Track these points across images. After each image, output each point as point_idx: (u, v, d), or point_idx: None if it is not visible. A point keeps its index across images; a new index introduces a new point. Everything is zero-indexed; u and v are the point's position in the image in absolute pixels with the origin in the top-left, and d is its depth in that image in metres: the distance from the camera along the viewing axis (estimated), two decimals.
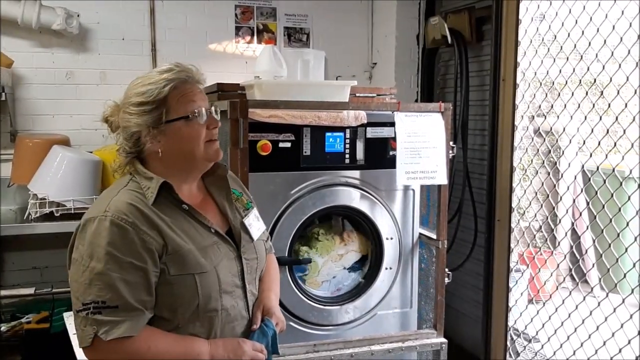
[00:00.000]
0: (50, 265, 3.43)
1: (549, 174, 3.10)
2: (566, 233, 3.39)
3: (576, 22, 2.58)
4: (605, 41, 2.45)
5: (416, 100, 3.79)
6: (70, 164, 2.97)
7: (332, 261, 2.49)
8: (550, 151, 3.10)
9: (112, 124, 1.49)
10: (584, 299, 2.64)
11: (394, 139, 2.41)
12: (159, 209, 1.40)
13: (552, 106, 2.95)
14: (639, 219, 2.42)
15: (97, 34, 3.52)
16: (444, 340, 2.55)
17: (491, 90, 2.98)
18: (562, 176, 2.99)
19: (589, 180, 2.77)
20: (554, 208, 3.14)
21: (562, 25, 2.67)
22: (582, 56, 2.69)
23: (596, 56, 2.52)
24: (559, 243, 3.18)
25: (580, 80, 2.70)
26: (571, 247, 3.19)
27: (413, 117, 2.42)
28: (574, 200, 3.42)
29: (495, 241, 3.00)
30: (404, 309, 2.59)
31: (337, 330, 2.47)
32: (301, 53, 2.81)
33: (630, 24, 2.34)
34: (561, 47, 2.73)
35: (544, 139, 3.02)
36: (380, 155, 2.45)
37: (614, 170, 2.57)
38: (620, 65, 2.43)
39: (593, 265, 2.97)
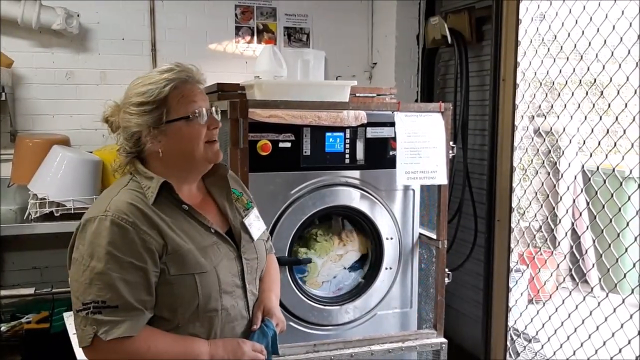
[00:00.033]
0: (50, 265, 3.43)
1: (549, 174, 3.10)
2: (566, 233, 3.39)
3: (576, 22, 2.58)
4: (605, 41, 2.45)
5: (416, 100, 3.79)
6: (70, 164, 2.97)
7: (332, 261, 2.49)
8: (550, 151, 3.11)
9: (112, 124, 1.49)
10: (584, 299, 2.64)
11: (394, 139, 2.41)
12: (159, 208, 1.40)
13: (552, 106, 2.95)
14: (639, 219, 2.42)
15: (97, 34, 3.52)
16: (444, 340, 2.55)
17: (491, 90, 2.98)
18: (562, 176, 2.99)
19: (589, 180, 2.77)
20: (554, 208, 3.14)
21: (562, 25, 2.67)
22: (582, 56, 2.69)
23: (596, 56, 2.52)
24: (559, 243, 3.18)
25: (580, 80, 2.71)
26: (571, 247, 3.19)
27: (413, 117, 2.42)
28: (574, 200, 3.42)
29: (495, 241, 3.00)
30: (404, 309, 2.59)
31: (337, 330, 2.47)
32: (301, 53, 2.81)
33: (630, 24, 2.34)
34: (561, 47, 2.73)
35: (544, 139, 3.02)
36: (380, 155, 2.45)
37: (614, 170, 2.57)
38: (620, 65, 2.43)
39: (593, 265, 2.97)
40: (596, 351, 2.53)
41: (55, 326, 3.03)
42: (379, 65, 4.02)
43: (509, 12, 2.87)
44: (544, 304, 2.89)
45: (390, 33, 3.81)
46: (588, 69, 2.59)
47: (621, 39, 2.38)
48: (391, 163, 2.41)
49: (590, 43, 2.52)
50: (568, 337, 2.70)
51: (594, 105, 2.59)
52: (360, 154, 2.42)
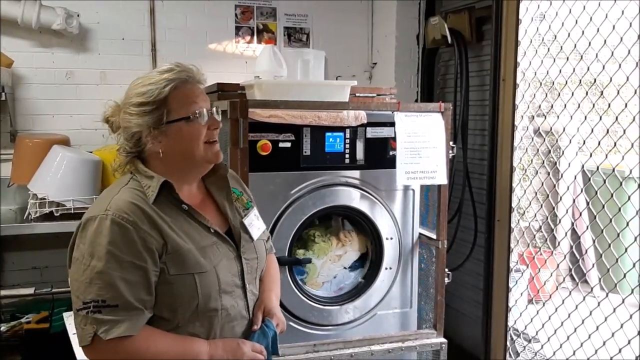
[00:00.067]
0: (50, 265, 3.43)
1: (549, 174, 3.10)
2: (566, 233, 3.39)
3: (576, 22, 2.58)
4: (605, 41, 2.45)
5: (416, 100, 3.79)
6: (70, 164, 2.97)
7: (331, 262, 2.49)
8: (550, 151, 3.11)
9: (112, 124, 1.49)
10: (584, 299, 2.64)
11: (394, 139, 2.41)
12: (159, 208, 1.40)
13: (552, 106, 2.95)
14: (639, 219, 2.42)
15: (97, 34, 3.52)
16: (443, 340, 2.55)
17: (491, 90, 2.98)
18: (562, 176, 2.99)
19: (589, 180, 2.77)
20: (554, 208, 3.14)
21: (562, 25, 2.67)
22: (582, 56, 2.69)
23: (596, 56, 2.52)
24: (559, 243, 3.18)
25: (580, 80, 2.71)
26: (571, 247, 3.19)
27: (413, 117, 2.42)
28: (574, 200, 3.42)
29: (495, 241, 3.00)
30: (403, 309, 2.59)
31: (337, 330, 2.47)
32: (301, 53, 2.81)
33: (630, 24, 2.35)
34: (561, 47, 2.73)
35: (544, 139, 3.02)
36: (380, 155, 2.45)
37: (614, 170, 2.57)
38: (620, 65, 2.43)
39: (593, 265, 2.97)
40: (596, 351, 2.53)
41: (55, 326, 3.03)
42: (379, 65, 4.02)
43: (509, 12, 2.87)
44: (543, 304, 2.89)
45: (390, 33, 3.81)
46: (588, 69, 2.59)
47: (621, 39, 2.38)
48: (391, 163, 2.41)
49: (590, 43, 2.52)
50: (568, 337, 2.70)
51: (594, 105, 2.60)
52: (360, 154, 2.42)
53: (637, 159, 2.70)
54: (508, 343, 3.01)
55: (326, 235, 2.50)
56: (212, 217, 1.52)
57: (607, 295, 2.55)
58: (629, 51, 2.38)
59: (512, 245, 2.96)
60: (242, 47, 3.83)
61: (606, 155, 2.54)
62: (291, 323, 2.33)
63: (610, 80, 2.48)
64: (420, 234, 2.60)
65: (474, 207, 3.23)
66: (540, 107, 3.02)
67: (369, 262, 2.55)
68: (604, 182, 2.56)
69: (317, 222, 2.50)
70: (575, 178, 2.99)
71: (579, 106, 2.67)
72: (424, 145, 2.41)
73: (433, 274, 2.59)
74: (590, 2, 2.48)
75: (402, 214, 2.53)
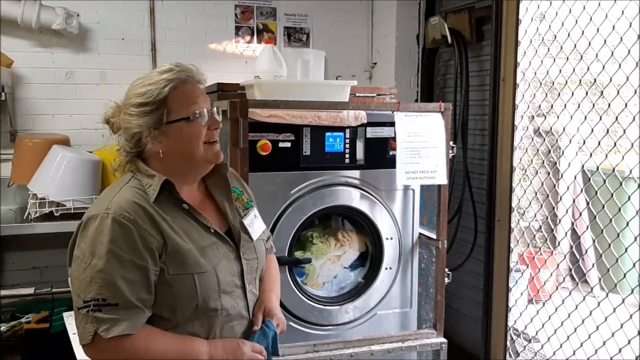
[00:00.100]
0: (50, 265, 3.43)
1: (549, 174, 3.10)
2: (566, 233, 3.38)
3: (576, 22, 2.58)
4: (605, 41, 2.45)
5: (416, 100, 3.79)
6: (70, 164, 2.97)
7: (330, 262, 2.49)
8: (550, 151, 3.10)
9: (113, 125, 1.49)
10: (584, 299, 2.64)
11: (394, 138, 2.41)
12: (159, 207, 1.40)
13: (552, 106, 2.95)
14: (639, 219, 2.42)
15: (97, 34, 3.52)
16: (443, 340, 2.55)
17: (491, 90, 2.98)
18: (562, 176, 2.99)
19: (589, 180, 2.77)
20: (553, 208, 3.14)
21: (562, 25, 2.67)
22: (582, 56, 2.69)
23: (596, 56, 2.52)
24: (559, 243, 3.18)
25: (580, 80, 2.71)
26: (571, 247, 3.19)
27: (413, 117, 2.42)
28: (574, 200, 3.41)
29: (495, 241, 3.00)
30: (403, 309, 2.59)
31: (337, 330, 2.47)
32: (301, 53, 2.81)
33: (630, 24, 2.34)
34: (561, 47, 2.73)
35: (544, 139, 3.02)
36: (380, 155, 2.45)
37: (614, 170, 2.57)
38: (620, 65, 2.43)
39: (593, 265, 2.97)
40: (596, 351, 2.53)
41: (55, 326, 3.03)
42: (379, 65, 4.02)
43: (509, 12, 2.87)
44: (543, 304, 2.89)
45: (390, 33, 3.81)
46: (588, 69, 2.59)
47: (621, 39, 2.38)
48: (391, 163, 2.41)
49: (590, 43, 2.52)
50: (568, 337, 2.70)
51: (593, 105, 2.59)
52: (360, 153, 2.42)
53: (637, 159, 2.70)
54: (508, 343, 3.01)
55: (324, 236, 2.50)
56: (212, 217, 1.52)
57: (607, 295, 2.55)
58: (629, 51, 2.38)
59: (512, 245, 2.96)
60: (242, 47, 3.83)
61: (606, 155, 2.54)
62: (291, 323, 2.33)
63: (610, 80, 2.48)
64: (420, 234, 2.60)
65: (474, 207, 3.23)
66: (540, 107, 3.02)
67: (369, 261, 2.55)
68: (604, 182, 2.56)
69: (317, 222, 2.50)
70: (575, 178, 2.99)
71: (579, 106, 2.67)
72: (424, 145, 2.41)
73: (433, 274, 2.59)
74: (590, 2, 2.48)
75: (402, 214, 2.53)
